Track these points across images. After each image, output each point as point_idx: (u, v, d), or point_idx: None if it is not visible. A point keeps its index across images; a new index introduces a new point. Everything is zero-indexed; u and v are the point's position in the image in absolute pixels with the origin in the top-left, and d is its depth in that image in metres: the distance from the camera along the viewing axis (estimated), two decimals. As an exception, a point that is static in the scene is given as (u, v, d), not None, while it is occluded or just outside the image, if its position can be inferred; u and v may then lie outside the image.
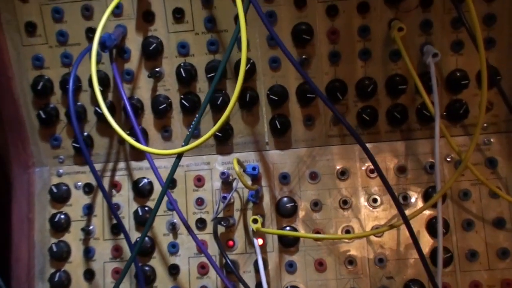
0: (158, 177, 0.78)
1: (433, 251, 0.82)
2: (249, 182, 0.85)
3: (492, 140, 0.85)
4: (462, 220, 0.83)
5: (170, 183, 0.85)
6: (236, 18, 0.80)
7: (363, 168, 0.85)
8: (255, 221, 0.77)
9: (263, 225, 0.84)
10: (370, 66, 0.82)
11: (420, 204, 0.84)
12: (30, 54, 0.84)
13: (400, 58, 0.81)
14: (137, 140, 0.78)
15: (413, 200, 0.84)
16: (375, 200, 0.84)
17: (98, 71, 0.83)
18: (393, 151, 0.85)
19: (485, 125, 0.84)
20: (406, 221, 0.72)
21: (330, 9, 0.80)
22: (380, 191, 0.84)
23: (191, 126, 0.76)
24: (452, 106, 0.83)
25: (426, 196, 0.83)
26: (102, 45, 0.75)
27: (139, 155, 0.87)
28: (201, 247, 0.78)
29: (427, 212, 0.83)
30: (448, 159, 0.84)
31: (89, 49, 0.73)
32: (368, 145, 0.84)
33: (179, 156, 0.72)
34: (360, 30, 0.81)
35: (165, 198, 0.85)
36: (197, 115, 0.73)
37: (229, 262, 0.80)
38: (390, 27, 0.80)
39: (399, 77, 0.81)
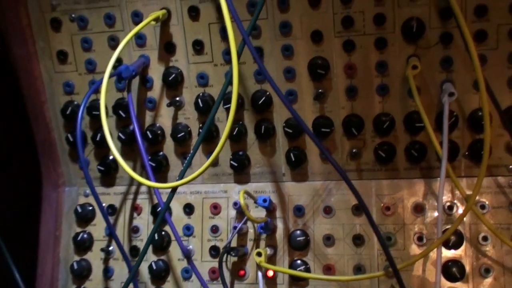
0: (160, 204, 0.80)
1: (447, 296, 0.79)
2: (264, 213, 0.85)
3: (518, 182, 0.81)
4: (480, 266, 0.80)
5: (187, 209, 0.88)
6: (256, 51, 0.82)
7: (379, 204, 0.83)
8: (259, 254, 0.78)
9: (275, 256, 0.85)
10: (387, 102, 0.81)
11: (436, 245, 0.81)
12: (62, 80, 0.89)
13: (418, 95, 0.79)
14: (146, 170, 0.81)
15: (428, 241, 0.81)
16: (389, 239, 0.82)
17: (122, 99, 0.87)
18: (411, 188, 0.83)
19: (511, 167, 0.80)
20: (394, 268, 0.71)
21: (346, 44, 0.79)
22: (395, 229, 0.82)
23: (188, 158, 0.78)
24: (474, 146, 0.80)
25: (442, 238, 0.80)
26: (119, 76, 0.78)
27: (161, 179, 0.90)
28: (201, 281, 0.80)
29: (447, 254, 0.81)
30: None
31: (100, 82, 0.76)
32: (385, 182, 0.84)
33: (173, 190, 0.74)
34: (377, 66, 0.79)
35: (183, 223, 0.88)
36: (192, 148, 0.75)
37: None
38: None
39: (417, 114, 0.79)
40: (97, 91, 0.87)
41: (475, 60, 0.68)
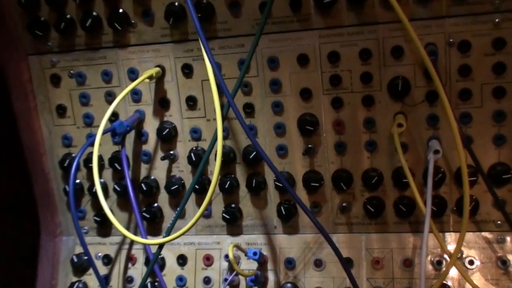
0: (150, 256, 0.82)
1: None
2: (255, 265, 0.87)
3: (507, 238, 0.81)
4: (469, 322, 0.80)
5: (181, 260, 0.90)
6: (246, 107, 0.84)
7: (369, 258, 0.84)
8: (247, 309, 0.79)
9: (266, 309, 0.86)
10: (376, 158, 0.82)
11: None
12: (60, 133, 0.92)
13: (406, 151, 0.81)
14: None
15: (417, 296, 0.82)
16: (378, 293, 0.83)
17: (118, 151, 0.89)
18: (400, 243, 0.84)
19: (499, 222, 0.81)
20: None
21: (335, 101, 0.81)
22: (384, 284, 0.83)
23: (176, 212, 0.80)
24: (461, 201, 0.80)
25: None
26: (113, 132, 0.81)
27: (155, 231, 0.92)
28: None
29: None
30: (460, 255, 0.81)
31: (93, 139, 0.78)
32: (375, 236, 0.85)
33: (160, 246, 0.76)
34: (365, 122, 0.81)
35: (176, 274, 0.89)
36: (181, 203, 0.78)
37: None
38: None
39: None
40: (93, 144, 0.90)
41: (451, 119, 0.70)
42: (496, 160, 0.79)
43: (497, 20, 0.74)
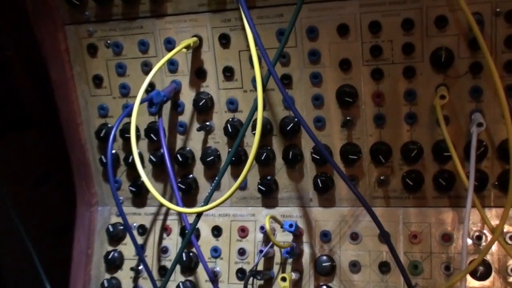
0: (187, 228, 0.82)
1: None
2: (290, 237, 0.86)
3: (548, 214, 0.79)
4: (508, 297, 0.79)
5: (215, 231, 0.90)
6: (283, 78, 0.83)
7: (406, 232, 0.83)
8: (283, 279, 0.79)
9: (300, 281, 0.85)
10: (416, 131, 0.81)
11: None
12: (97, 103, 0.92)
13: (447, 124, 0.79)
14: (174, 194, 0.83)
15: (455, 271, 0.80)
16: (415, 267, 0.82)
17: (154, 122, 0.89)
18: (439, 217, 0.83)
19: (541, 198, 0.79)
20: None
21: (375, 72, 0.80)
22: (422, 258, 0.82)
23: (213, 183, 0.79)
24: (503, 176, 0.79)
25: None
26: (150, 102, 0.80)
27: (190, 202, 0.92)
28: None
29: (474, 285, 0.80)
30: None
31: (132, 107, 0.78)
32: (413, 210, 0.84)
33: (198, 215, 0.76)
34: (406, 94, 0.80)
35: (211, 245, 0.90)
36: (218, 175, 0.77)
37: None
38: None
39: (446, 144, 0.78)
40: (129, 115, 0.89)
41: (500, 91, 0.68)
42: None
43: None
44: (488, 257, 0.80)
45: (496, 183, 0.80)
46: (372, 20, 0.78)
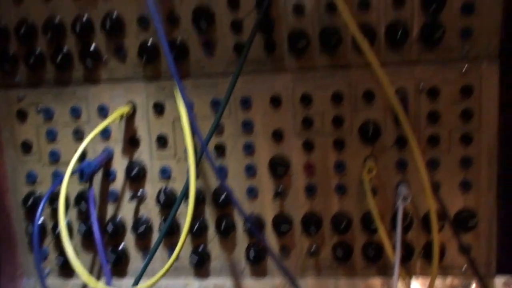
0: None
1: None
2: (222, 309, 0.85)
3: (472, 284, 0.82)
4: None
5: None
6: (217, 148, 0.84)
7: (337, 303, 0.84)
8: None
9: None
10: (345, 201, 0.83)
11: None
12: (25, 170, 0.89)
13: (375, 195, 0.81)
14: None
15: None
16: (347, 338, 0.82)
17: (85, 190, 0.87)
18: (368, 287, 0.84)
19: (463, 269, 0.82)
20: None
21: (306, 143, 0.82)
22: (353, 329, 0.82)
23: (146, 260, 0.78)
24: (428, 247, 0.81)
25: None
26: (81, 173, 0.79)
27: (121, 273, 0.89)
28: None
29: None
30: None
31: (62, 178, 0.77)
32: (343, 280, 0.84)
33: (129, 293, 0.74)
34: (336, 166, 0.82)
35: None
36: (151, 248, 0.76)
37: None
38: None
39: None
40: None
41: (420, 164, 0.71)
42: (462, 206, 0.80)
43: (464, 67, 0.76)
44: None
45: (422, 253, 0.82)
46: (304, 92, 0.81)
